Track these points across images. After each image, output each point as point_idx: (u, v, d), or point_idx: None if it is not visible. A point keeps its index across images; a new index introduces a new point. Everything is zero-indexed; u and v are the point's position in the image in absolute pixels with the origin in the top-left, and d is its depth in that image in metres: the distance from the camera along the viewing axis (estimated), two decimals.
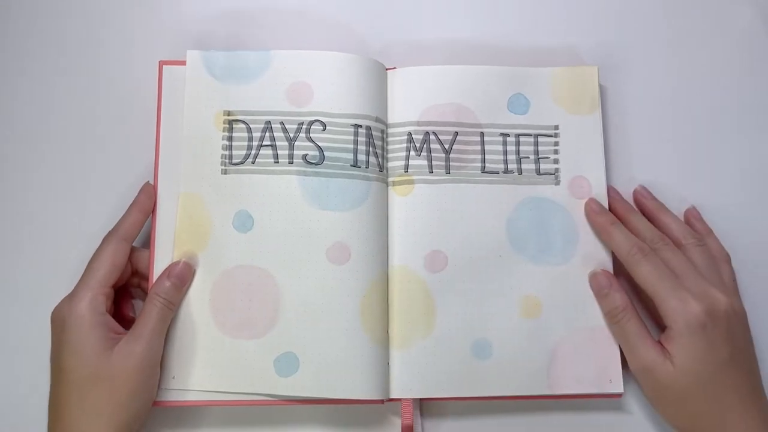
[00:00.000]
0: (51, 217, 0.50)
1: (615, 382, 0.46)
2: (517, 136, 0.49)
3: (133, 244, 0.46)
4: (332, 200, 0.46)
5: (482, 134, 0.49)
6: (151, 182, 0.47)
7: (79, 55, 0.52)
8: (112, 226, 0.46)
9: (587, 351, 0.47)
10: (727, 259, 0.47)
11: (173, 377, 0.45)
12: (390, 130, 0.49)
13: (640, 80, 0.53)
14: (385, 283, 0.47)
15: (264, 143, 0.47)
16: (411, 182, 0.48)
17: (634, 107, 0.53)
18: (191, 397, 0.45)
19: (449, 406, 0.48)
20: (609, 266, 0.48)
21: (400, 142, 0.49)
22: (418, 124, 0.49)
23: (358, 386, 0.44)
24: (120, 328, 0.43)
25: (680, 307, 0.42)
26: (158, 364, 0.43)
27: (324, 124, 0.47)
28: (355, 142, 0.47)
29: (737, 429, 0.42)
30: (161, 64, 0.49)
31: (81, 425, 0.41)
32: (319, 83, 0.48)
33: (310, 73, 0.48)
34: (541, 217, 0.48)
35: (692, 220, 0.50)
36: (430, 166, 0.48)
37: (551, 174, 0.49)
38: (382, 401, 0.45)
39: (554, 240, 0.48)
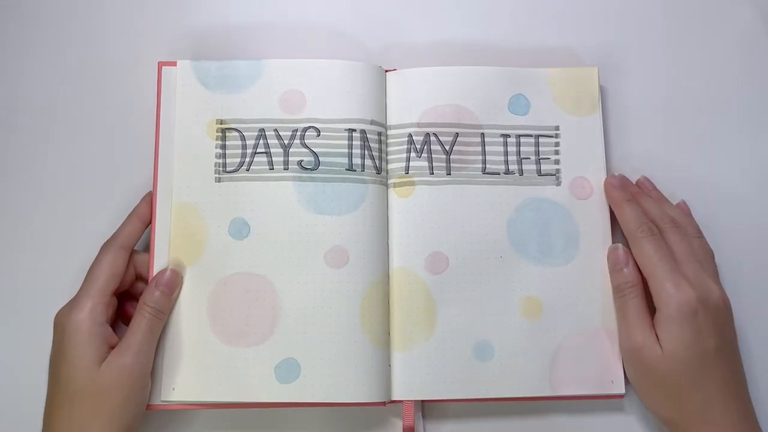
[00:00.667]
0: (51, 221, 0.50)
1: (617, 383, 0.46)
2: (518, 136, 0.49)
3: (138, 249, 0.47)
4: (329, 205, 0.46)
5: (483, 135, 0.49)
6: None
7: (79, 58, 0.53)
8: (113, 230, 0.46)
9: (589, 352, 0.46)
10: (713, 255, 0.47)
11: (173, 388, 0.44)
12: (390, 132, 0.49)
13: (640, 80, 0.53)
14: (385, 285, 0.47)
15: (258, 150, 0.47)
16: (412, 183, 0.48)
17: (633, 107, 0.53)
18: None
19: (451, 407, 0.48)
20: None
21: (401, 143, 0.49)
22: (419, 125, 0.49)
23: (359, 389, 0.44)
24: (116, 340, 0.43)
25: (674, 291, 0.43)
26: (148, 375, 0.43)
27: (318, 130, 0.47)
28: (350, 146, 0.47)
29: (717, 419, 0.42)
30: (160, 65, 0.49)
31: None
32: (311, 90, 0.48)
33: (302, 81, 0.48)
34: (542, 218, 0.48)
35: (685, 215, 0.49)
36: (431, 168, 0.48)
37: (552, 175, 0.49)
38: (383, 403, 0.45)
39: (555, 241, 0.48)
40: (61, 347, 0.42)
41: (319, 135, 0.47)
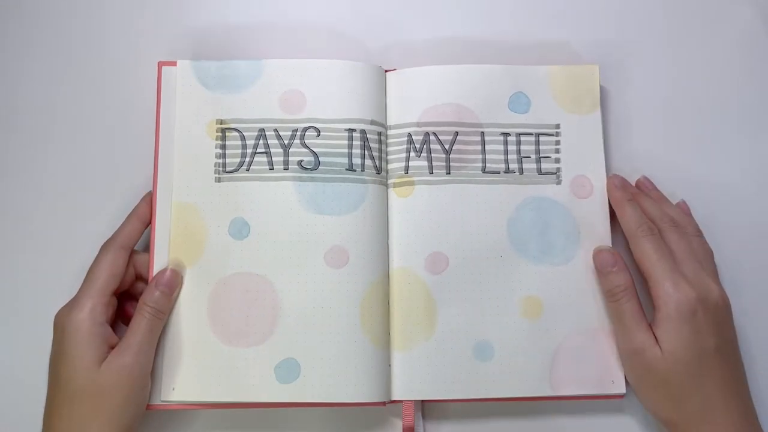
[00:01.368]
0: (51, 221, 0.50)
1: (617, 383, 0.46)
2: (518, 135, 0.49)
3: (137, 249, 0.47)
4: (328, 205, 0.46)
5: (483, 134, 0.49)
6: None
7: (79, 58, 0.53)
8: (113, 230, 0.46)
9: (589, 352, 0.46)
10: (713, 255, 0.47)
11: (173, 388, 0.44)
12: (390, 132, 0.49)
13: (641, 80, 0.53)
14: (385, 285, 0.47)
15: (258, 150, 0.47)
16: (411, 183, 0.48)
17: (634, 107, 0.53)
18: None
19: (451, 407, 0.48)
20: None
21: (400, 143, 0.49)
22: (418, 125, 0.49)
23: (359, 389, 0.44)
24: (116, 340, 0.43)
25: (673, 291, 0.42)
26: (148, 375, 0.43)
27: (318, 130, 0.47)
28: (350, 146, 0.47)
29: (718, 419, 0.41)
30: (160, 65, 0.49)
31: None
32: (311, 90, 0.48)
33: (302, 81, 0.48)
34: (542, 217, 0.48)
35: (685, 215, 0.49)
36: (431, 167, 0.48)
37: (552, 173, 0.49)
38: (383, 403, 0.45)
39: (555, 240, 0.48)
40: (61, 347, 0.42)
41: (319, 135, 0.47)
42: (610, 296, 0.45)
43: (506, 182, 0.48)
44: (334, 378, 0.44)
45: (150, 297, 0.44)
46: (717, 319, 0.43)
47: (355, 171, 0.47)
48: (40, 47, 0.53)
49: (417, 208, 0.48)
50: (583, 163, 0.49)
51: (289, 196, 0.47)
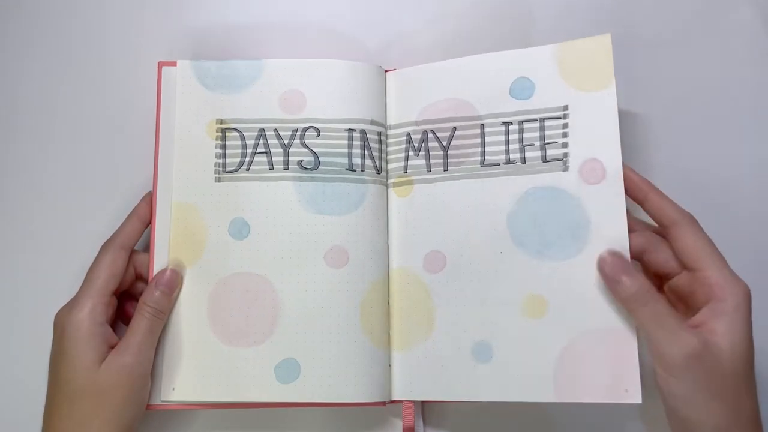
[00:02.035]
0: (51, 221, 0.50)
1: (632, 392, 0.41)
2: (521, 123, 0.46)
3: (137, 249, 0.47)
4: (329, 204, 0.46)
5: (482, 126, 0.47)
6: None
7: (79, 58, 0.53)
8: (113, 230, 0.46)
9: (600, 356, 0.42)
10: None
11: (173, 388, 0.44)
12: (390, 132, 0.49)
13: (640, 80, 0.53)
14: (385, 285, 0.47)
15: (258, 150, 0.47)
16: (410, 183, 0.48)
17: (633, 107, 0.53)
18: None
19: (451, 407, 0.48)
20: (627, 254, 0.43)
21: (400, 143, 0.48)
22: (417, 123, 0.48)
23: (359, 389, 0.44)
24: (116, 340, 0.43)
25: (736, 280, 0.39)
26: (148, 375, 0.43)
27: (318, 130, 0.47)
28: (350, 146, 0.47)
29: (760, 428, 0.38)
30: (160, 65, 0.49)
31: None
32: (311, 90, 0.48)
33: (302, 81, 0.48)
34: (546, 207, 0.45)
35: None
36: (428, 165, 0.47)
37: (559, 160, 0.45)
38: (383, 403, 0.45)
39: (561, 232, 0.44)
40: (61, 347, 0.42)
41: (319, 135, 0.47)
42: (632, 304, 0.40)
43: (506, 174, 0.46)
44: (334, 378, 0.44)
45: (150, 297, 0.44)
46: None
47: (355, 171, 0.47)
48: (40, 47, 0.53)
49: (415, 207, 0.47)
50: (595, 144, 0.45)
51: (289, 196, 0.47)
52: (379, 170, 0.48)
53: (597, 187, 0.44)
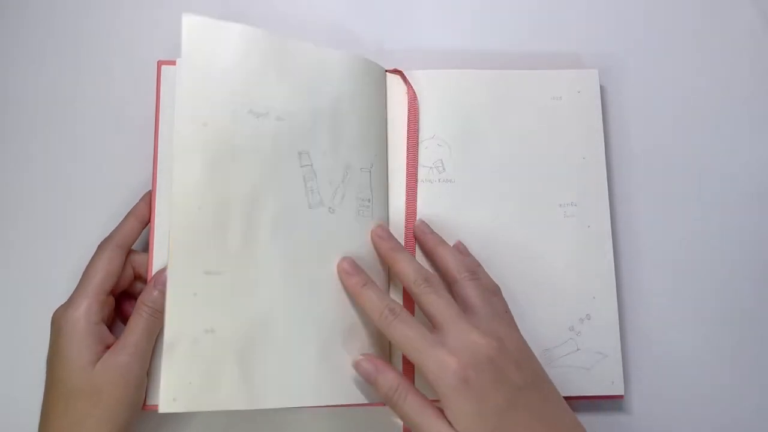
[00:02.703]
0: (52, 221, 0.50)
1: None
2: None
3: (137, 249, 0.46)
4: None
5: None
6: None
7: (79, 58, 0.53)
8: (112, 228, 0.46)
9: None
10: (497, 290, 0.45)
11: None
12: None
13: (641, 81, 0.53)
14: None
15: None
16: None
17: (634, 108, 0.53)
18: None
19: None
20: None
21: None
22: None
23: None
24: (112, 340, 0.43)
25: (438, 369, 0.38)
26: (145, 375, 0.43)
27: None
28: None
29: None
30: (160, 64, 0.49)
31: None
32: None
33: None
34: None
35: (461, 254, 0.47)
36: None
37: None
38: (383, 404, 0.45)
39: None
40: (57, 346, 0.42)
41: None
42: (387, 400, 0.40)
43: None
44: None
45: (148, 296, 0.44)
46: (498, 371, 0.38)
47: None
48: (40, 47, 0.53)
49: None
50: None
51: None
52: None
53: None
